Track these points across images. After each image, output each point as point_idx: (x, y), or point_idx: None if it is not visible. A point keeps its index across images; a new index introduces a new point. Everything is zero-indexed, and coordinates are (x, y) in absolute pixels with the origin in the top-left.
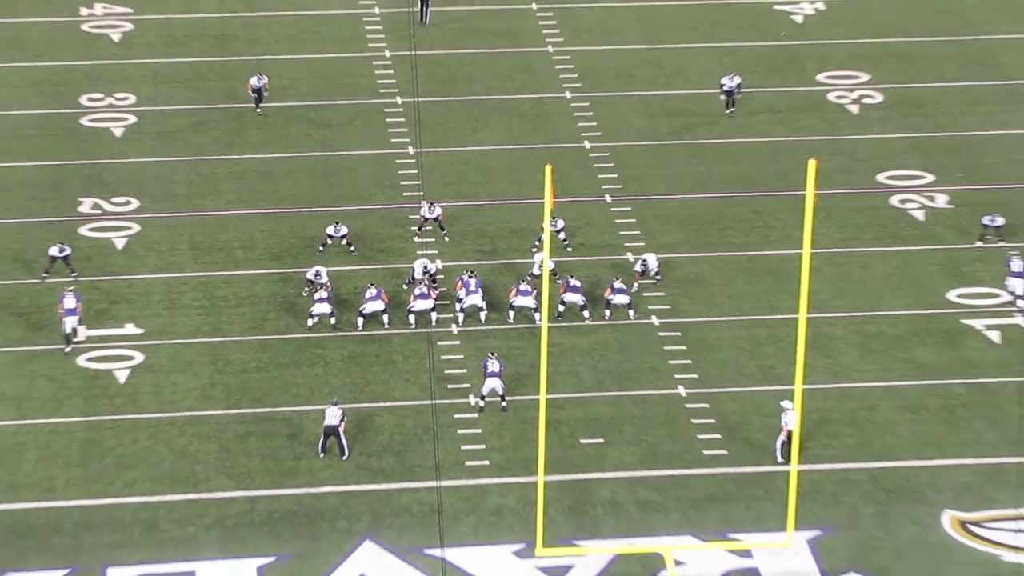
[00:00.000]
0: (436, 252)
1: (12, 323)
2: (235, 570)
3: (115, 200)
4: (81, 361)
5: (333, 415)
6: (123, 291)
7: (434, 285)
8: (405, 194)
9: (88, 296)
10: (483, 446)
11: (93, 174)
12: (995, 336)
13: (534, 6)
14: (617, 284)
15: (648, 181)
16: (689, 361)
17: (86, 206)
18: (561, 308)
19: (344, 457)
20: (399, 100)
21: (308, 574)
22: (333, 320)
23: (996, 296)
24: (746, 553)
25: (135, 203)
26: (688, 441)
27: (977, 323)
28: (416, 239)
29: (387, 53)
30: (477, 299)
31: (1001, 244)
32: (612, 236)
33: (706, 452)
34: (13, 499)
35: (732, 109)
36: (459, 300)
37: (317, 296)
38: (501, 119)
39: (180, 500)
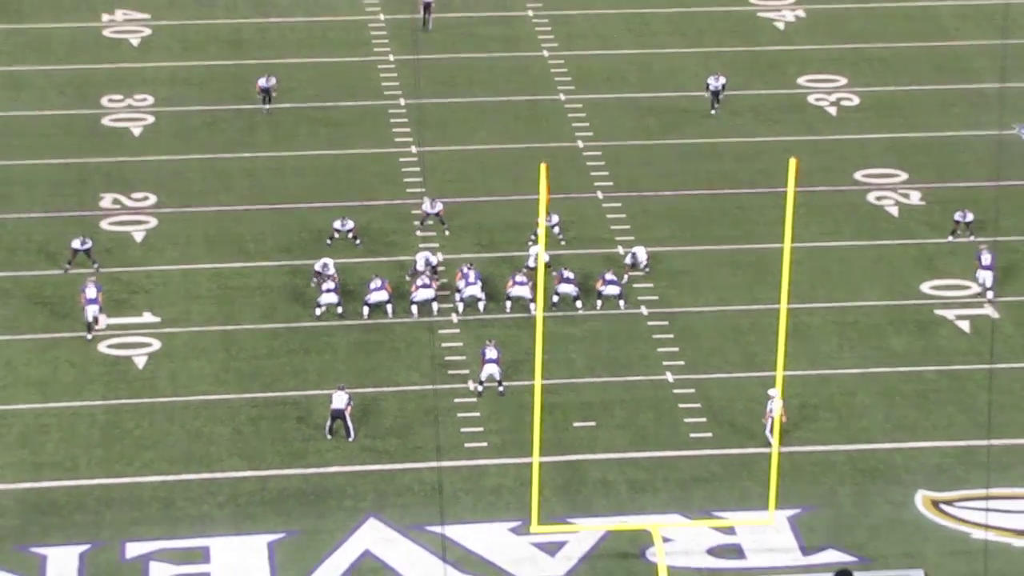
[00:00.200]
0: (437, 245)
1: (37, 312)
2: (247, 546)
3: (134, 196)
4: (102, 348)
5: (340, 399)
6: (141, 282)
7: (435, 276)
8: (408, 190)
9: (108, 286)
10: (481, 429)
11: (113, 171)
12: (965, 326)
13: (530, 13)
14: (608, 276)
15: (638, 179)
16: (676, 349)
17: (106, 201)
18: (555, 299)
19: (350, 439)
20: (402, 101)
21: (316, 549)
22: (340, 309)
23: (967, 288)
24: (730, 530)
25: (153, 199)
26: (675, 425)
27: (949, 313)
28: (418, 233)
29: (391, 57)
30: (476, 290)
31: (971, 238)
32: (604, 231)
33: (692, 435)
34: (37, 478)
35: (718, 108)
36: (459, 291)
37: (325, 287)
38: (499, 120)
39: (195, 479)
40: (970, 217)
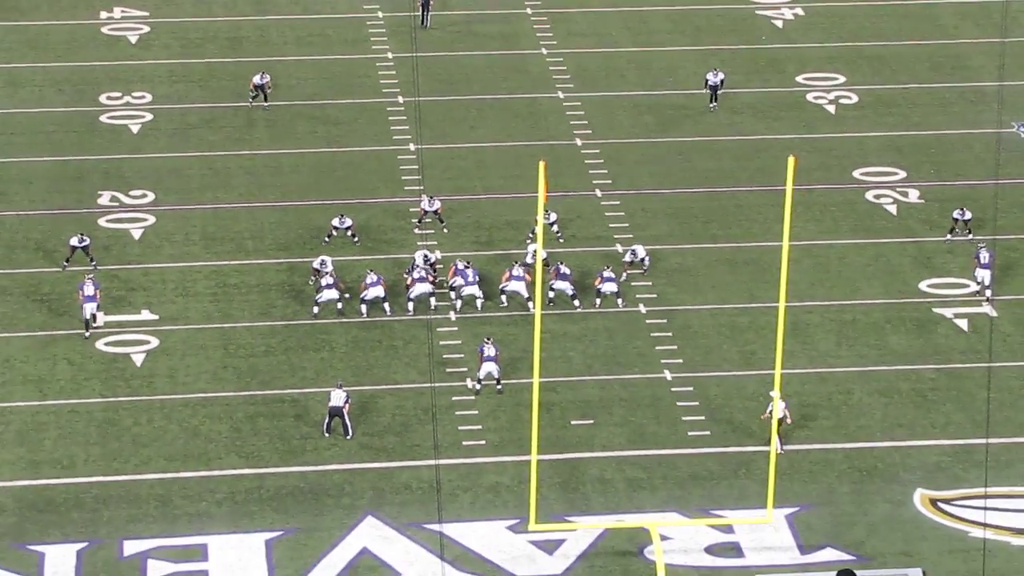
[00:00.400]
0: (436, 243)
1: (35, 309)
2: (244, 543)
3: (132, 193)
4: (100, 345)
5: (338, 397)
6: (139, 279)
7: (433, 271)
8: (406, 188)
9: (106, 284)
10: (479, 427)
11: (111, 168)
12: (963, 324)
13: (529, 11)
14: (607, 273)
15: (636, 176)
16: (675, 347)
17: (105, 199)
18: (551, 295)
19: (348, 437)
20: (401, 99)
21: (313, 547)
22: (340, 306)
23: (965, 286)
24: (728, 528)
25: (151, 196)
26: (673, 423)
27: (947, 311)
28: (416, 231)
29: (390, 55)
30: (475, 289)
31: (970, 237)
32: (602, 228)
33: (690, 433)
34: (35, 475)
35: (715, 103)
36: (452, 288)
37: (324, 283)
38: (497, 117)
39: (193, 477)
40: (969, 215)
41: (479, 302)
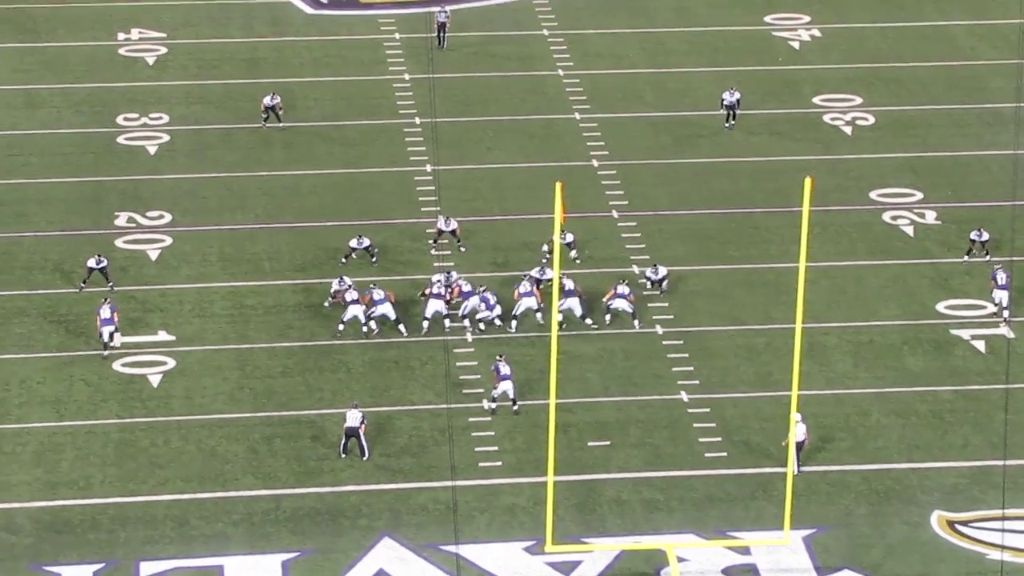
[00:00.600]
0: (452, 264)
1: (52, 330)
2: (260, 565)
3: (149, 214)
4: (116, 366)
5: (354, 417)
6: (156, 300)
7: (449, 288)
8: (423, 209)
9: (123, 305)
10: (496, 448)
11: (128, 189)
12: (981, 345)
13: (545, 32)
14: (620, 288)
15: (653, 198)
16: (691, 368)
17: (122, 220)
18: (559, 316)
19: (364, 458)
20: (418, 120)
21: (330, 569)
22: (365, 329)
23: (982, 308)
24: (745, 550)
25: (168, 217)
26: (690, 444)
27: (964, 333)
28: (433, 252)
29: (407, 76)
30: (495, 314)
31: (987, 258)
32: (619, 250)
33: (707, 454)
34: (52, 496)
35: (732, 122)
36: (466, 316)
37: (349, 298)
38: (514, 139)
39: (209, 498)
40: (986, 236)
41: (497, 321)
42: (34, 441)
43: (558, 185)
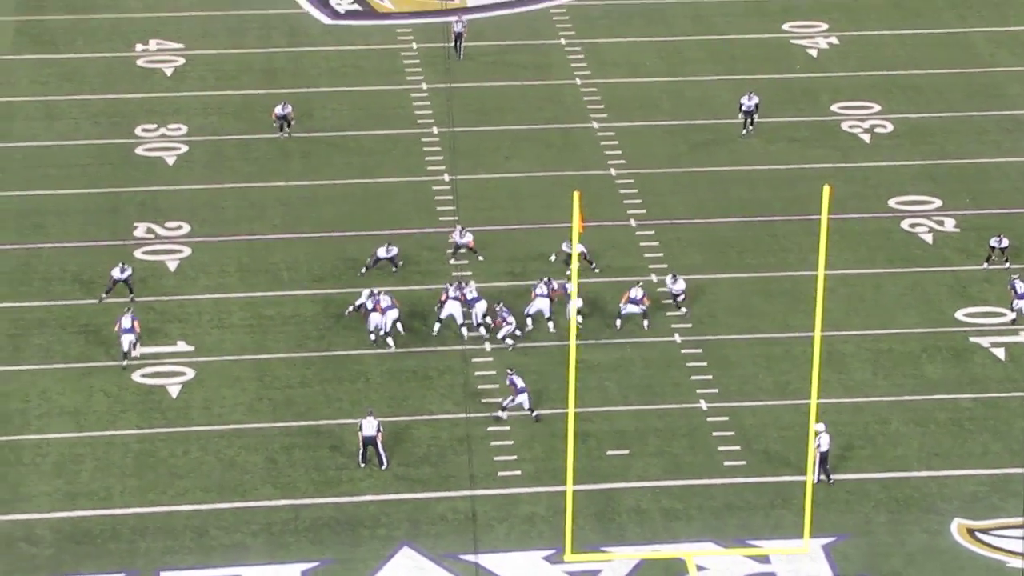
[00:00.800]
0: (470, 274)
1: (71, 341)
2: (280, 575)
3: (168, 225)
4: (136, 377)
5: (370, 426)
6: (175, 311)
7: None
8: (441, 219)
9: (142, 315)
10: (515, 457)
11: (147, 200)
12: (1001, 353)
13: (563, 41)
14: (633, 292)
15: (671, 206)
16: (710, 376)
17: (140, 231)
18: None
19: (383, 467)
20: (435, 130)
21: None
22: (401, 327)
23: (1002, 315)
24: (764, 559)
25: (186, 228)
26: (709, 452)
27: (984, 341)
28: (452, 262)
29: (424, 86)
30: (512, 330)
31: (1007, 265)
32: (637, 259)
33: (726, 463)
34: (72, 507)
35: (751, 128)
36: (482, 324)
37: (385, 305)
38: (531, 148)
39: (228, 508)
40: (1005, 243)
41: (516, 331)
42: (54, 452)
43: (576, 194)
